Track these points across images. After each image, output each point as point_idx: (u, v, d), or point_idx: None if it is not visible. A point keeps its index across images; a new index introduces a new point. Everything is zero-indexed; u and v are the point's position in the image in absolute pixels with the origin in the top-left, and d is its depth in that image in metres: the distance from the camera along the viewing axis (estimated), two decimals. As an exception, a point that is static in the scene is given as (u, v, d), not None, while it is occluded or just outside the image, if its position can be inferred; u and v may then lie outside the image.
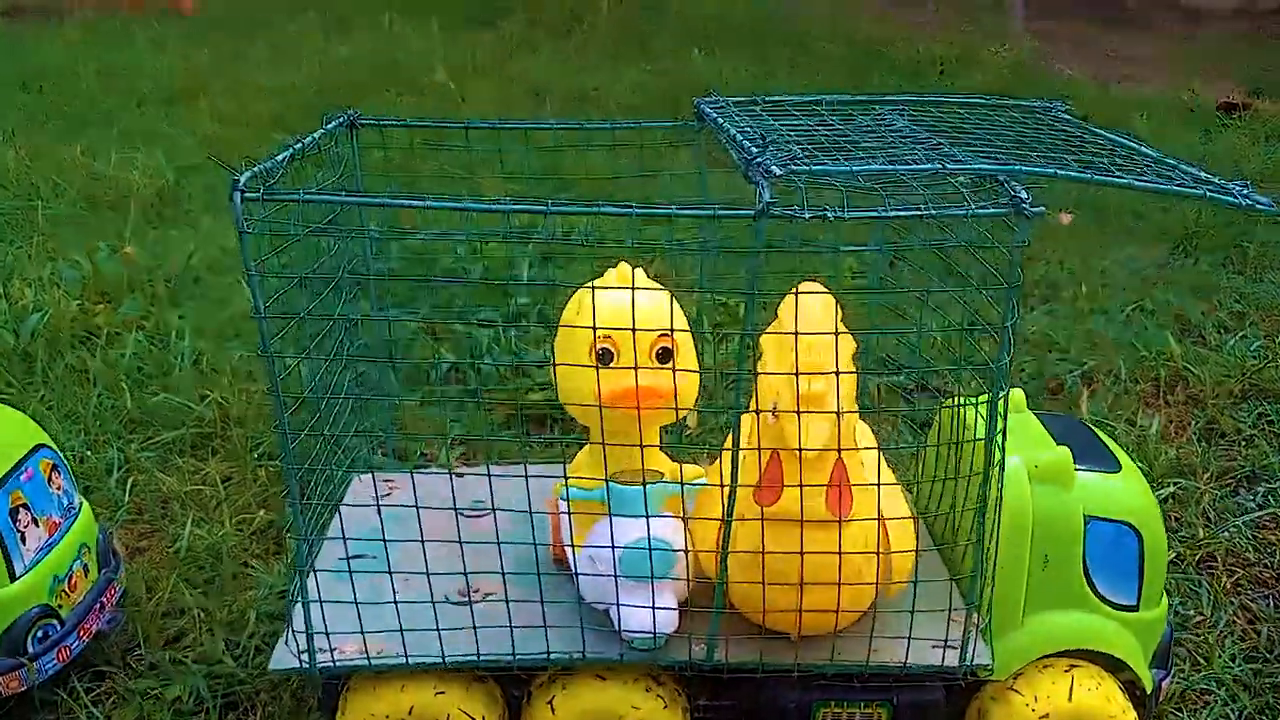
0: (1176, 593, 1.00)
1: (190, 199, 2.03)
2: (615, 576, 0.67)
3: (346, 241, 0.83)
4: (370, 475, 0.93)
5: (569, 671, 0.74)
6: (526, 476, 0.67)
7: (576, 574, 0.72)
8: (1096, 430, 0.83)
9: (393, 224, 1.31)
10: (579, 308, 0.63)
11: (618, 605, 0.70)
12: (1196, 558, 1.06)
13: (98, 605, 0.87)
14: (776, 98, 0.81)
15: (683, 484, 0.68)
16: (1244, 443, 1.29)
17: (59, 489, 0.86)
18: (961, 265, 0.68)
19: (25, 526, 0.81)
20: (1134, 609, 0.77)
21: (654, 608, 0.68)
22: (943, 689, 0.75)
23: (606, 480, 0.67)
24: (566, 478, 0.72)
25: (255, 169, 0.63)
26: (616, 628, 0.70)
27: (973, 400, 0.76)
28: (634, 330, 0.61)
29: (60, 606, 0.83)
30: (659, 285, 0.66)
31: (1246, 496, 1.17)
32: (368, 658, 0.71)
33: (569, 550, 0.73)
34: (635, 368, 0.63)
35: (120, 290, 1.61)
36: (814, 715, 0.74)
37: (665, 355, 0.63)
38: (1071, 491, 0.75)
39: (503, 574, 0.69)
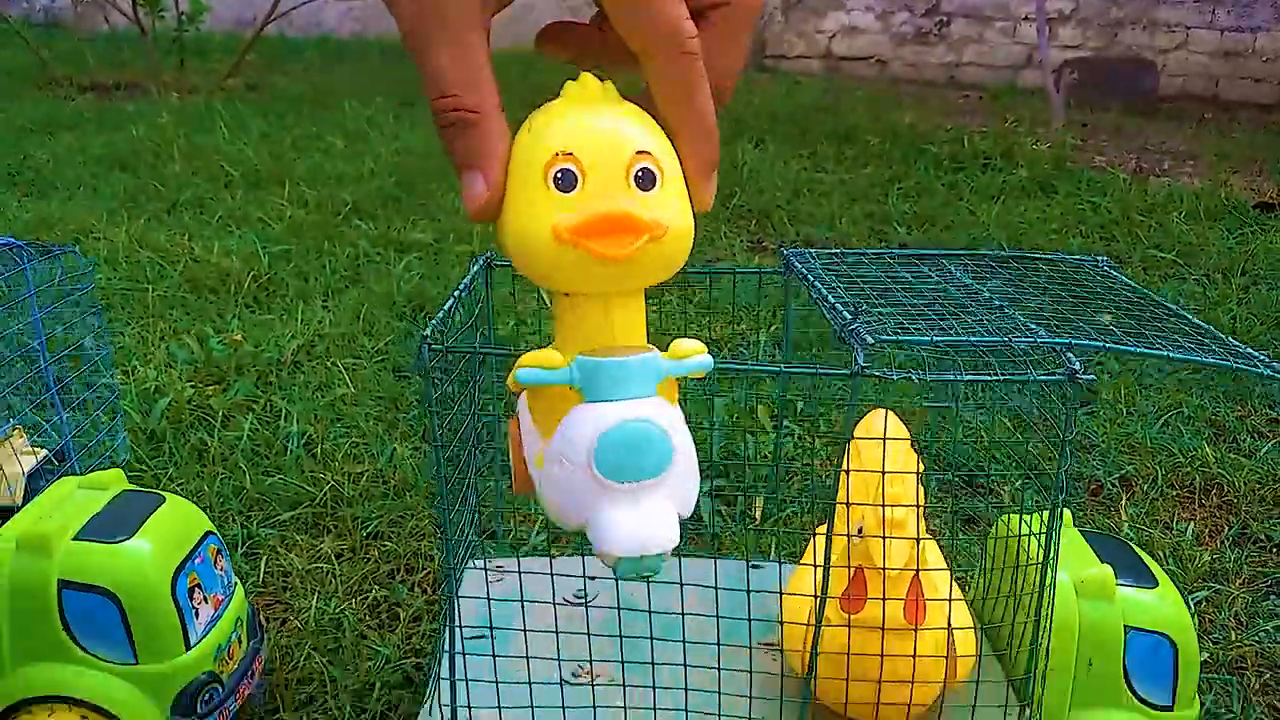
0: (1208, 691, 1.10)
1: (284, 284, 2.19)
2: (594, 476, 0.45)
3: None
4: (482, 564, 1.05)
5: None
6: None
7: (540, 493, 0.49)
8: (1136, 548, 0.94)
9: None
10: (529, 127, 0.44)
11: (595, 516, 0.46)
12: (1228, 658, 1.15)
13: (249, 673, 0.99)
14: (856, 251, 0.94)
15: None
16: (1275, 549, 1.38)
17: (221, 570, 0.99)
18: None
19: (199, 604, 0.94)
20: (1169, 709, 0.87)
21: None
22: (998, 777, 0.85)
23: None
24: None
25: (434, 322, 0.76)
26: (592, 544, 0.46)
27: (1026, 518, 0.88)
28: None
29: (222, 673, 0.96)
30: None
31: (1276, 602, 1.26)
32: (502, 731, 0.82)
33: (533, 471, 0.49)
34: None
35: (229, 373, 1.76)
36: (884, 796, 0.85)
37: (647, 179, 0.43)
38: (1113, 605, 0.86)
39: (621, 660, 0.81)
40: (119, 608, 0.88)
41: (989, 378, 0.69)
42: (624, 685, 0.82)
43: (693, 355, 0.47)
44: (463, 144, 0.43)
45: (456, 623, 0.81)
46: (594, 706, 0.83)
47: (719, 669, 0.79)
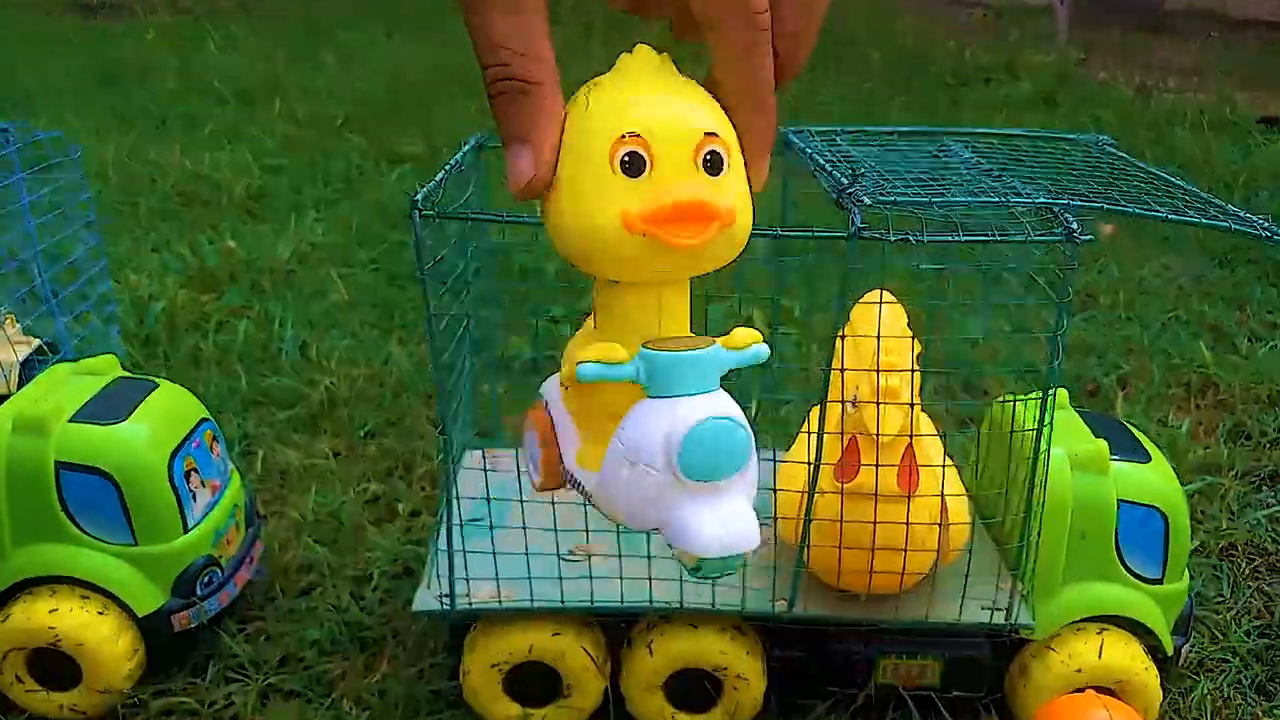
0: (1199, 577, 1.11)
1: (277, 196, 2.17)
2: (675, 476, 0.43)
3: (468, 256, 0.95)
4: (480, 451, 1.05)
5: (665, 619, 0.86)
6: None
7: (589, 491, 0.47)
8: (1130, 427, 0.94)
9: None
10: (585, 104, 0.41)
11: (677, 517, 0.44)
12: (1219, 546, 1.16)
13: (247, 558, 1.00)
14: (853, 128, 0.92)
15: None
16: (1269, 445, 1.39)
17: (218, 455, 1.00)
18: (1012, 283, 0.79)
19: (195, 487, 0.95)
20: (1159, 582, 0.88)
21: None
22: (989, 646, 0.86)
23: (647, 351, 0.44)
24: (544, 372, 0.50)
25: (424, 189, 0.75)
26: (672, 545, 0.44)
27: (1023, 397, 0.88)
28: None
29: (220, 557, 0.96)
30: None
31: (1268, 493, 1.27)
32: (499, 602, 0.83)
33: (574, 468, 0.48)
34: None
35: (223, 281, 1.75)
36: (877, 666, 0.86)
37: (716, 163, 0.41)
38: (1106, 478, 0.86)
39: (617, 532, 0.81)
40: (116, 489, 0.89)
41: (986, 238, 0.68)
42: (619, 555, 0.82)
43: (751, 344, 0.45)
44: (514, 115, 0.41)
45: (454, 493, 0.81)
46: (590, 578, 0.83)
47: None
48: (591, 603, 0.83)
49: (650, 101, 0.41)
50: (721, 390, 0.45)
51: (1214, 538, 1.18)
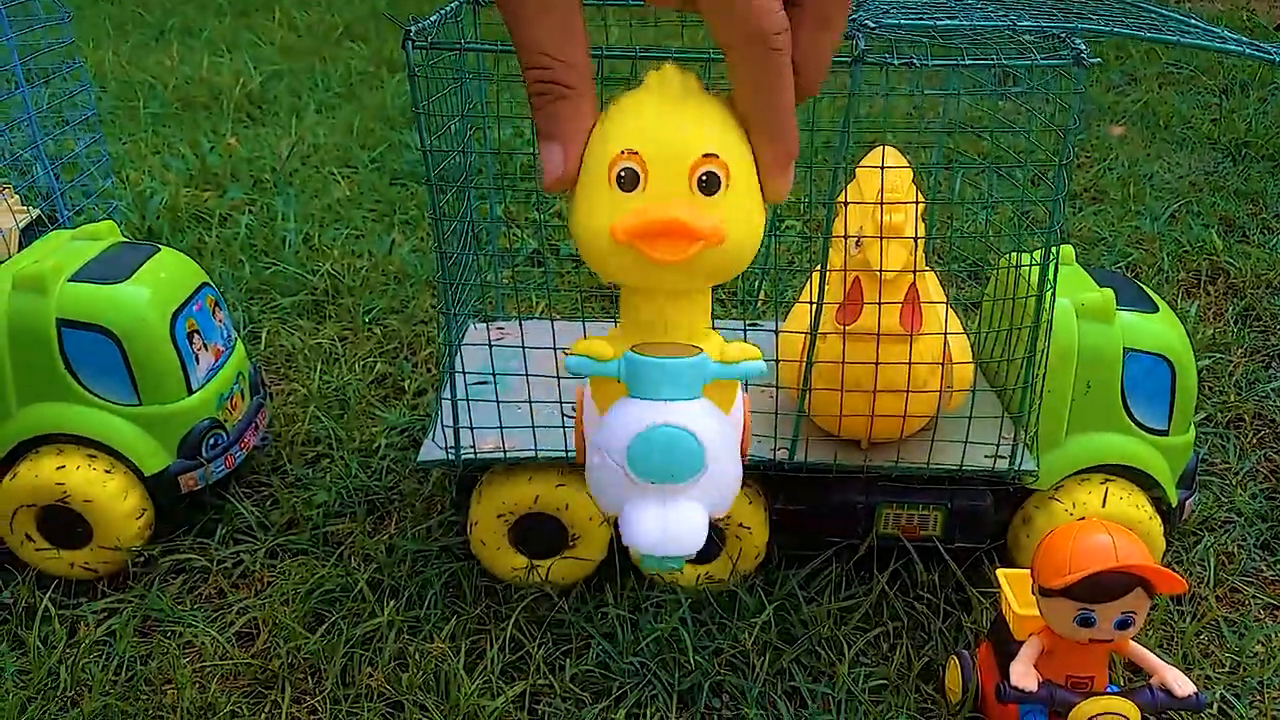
0: (1206, 446, 1.11)
1: (277, 100, 2.15)
2: (626, 473, 0.47)
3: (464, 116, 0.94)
4: (485, 324, 1.05)
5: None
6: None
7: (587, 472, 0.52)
8: (1137, 281, 0.93)
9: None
10: (605, 116, 0.44)
11: (626, 510, 0.48)
12: (1226, 419, 1.16)
13: (253, 425, 1.01)
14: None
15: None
16: (1278, 327, 1.38)
17: (220, 321, 0.99)
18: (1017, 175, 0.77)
19: (198, 350, 0.95)
20: (1164, 433, 0.87)
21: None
22: (990, 496, 0.86)
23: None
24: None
25: (418, 25, 0.73)
26: (625, 541, 0.48)
27: (1028, 250, 0.86)
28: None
29: (226, 421, 0.97)
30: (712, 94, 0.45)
31: (1277, 370, 1.27)
32: (504, 452, 0.83)
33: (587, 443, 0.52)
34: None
35: (224, 179, 1.73)
36: (878, 516, 0.86)
37: (711, 183, 0.43)
38: (1113, 326, 0.85)
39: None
40: (119, 347, 0.89)
41: (991, 61, 0.67)
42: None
43: (743, 360, 0.48)
44: (550, 115, 0.43)
45: (453, 335, 0.80)
46: None
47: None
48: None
49: (653, 120, 0.43)
50: (701, 400, 0.47)
51: (1221, 411, 1.17)
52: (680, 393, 0.47)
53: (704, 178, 0.43)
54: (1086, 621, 0.66)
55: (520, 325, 0.94)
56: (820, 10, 0.41)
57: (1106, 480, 0.87)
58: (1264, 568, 0.93)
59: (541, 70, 0.42)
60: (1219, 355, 1.28)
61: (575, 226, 0.45)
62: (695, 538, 0.47)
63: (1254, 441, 1.12)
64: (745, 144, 0.43)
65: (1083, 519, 0.76)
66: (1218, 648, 0.83)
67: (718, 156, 0.42)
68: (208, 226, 1.55)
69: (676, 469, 0.47)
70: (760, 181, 0.44)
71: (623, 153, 0.43)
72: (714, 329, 0.48)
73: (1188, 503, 0.90)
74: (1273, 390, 1.21)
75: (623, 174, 0.43)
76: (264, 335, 1.28)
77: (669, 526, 0.47)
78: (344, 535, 0.95)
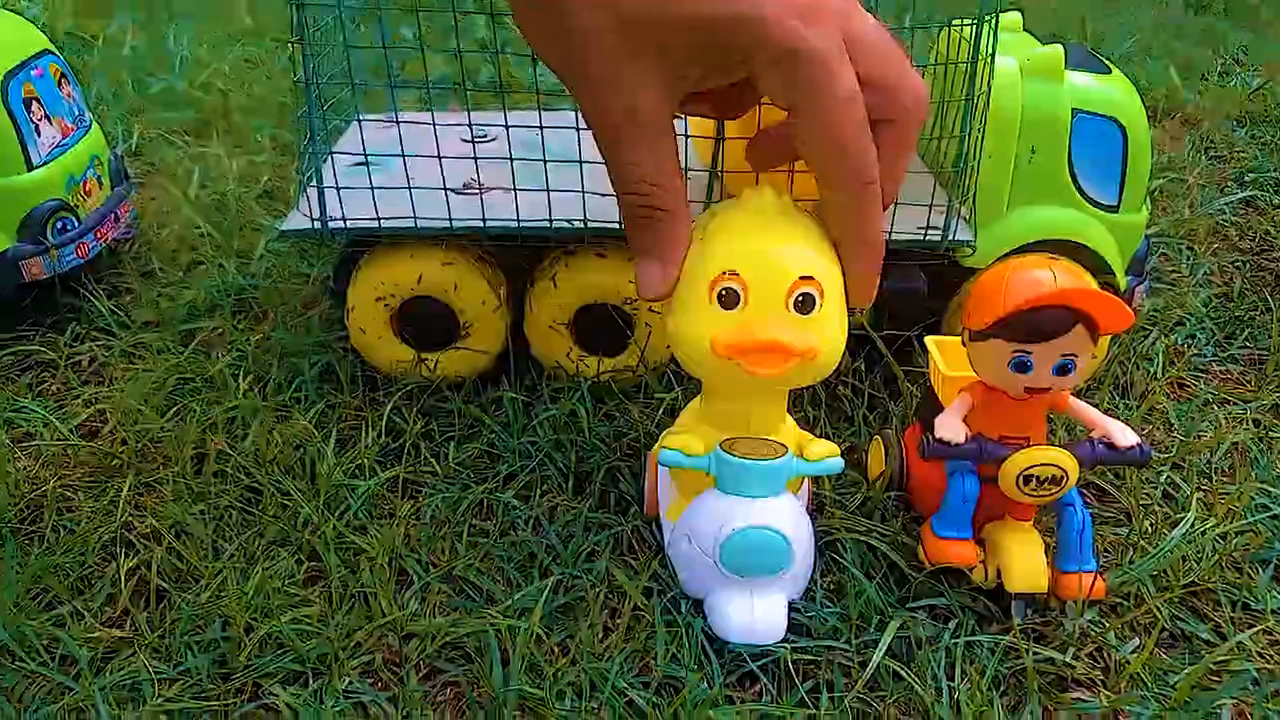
0: (1155, 252, 1.04)
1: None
2: (717, 566, 0.53)
3: None
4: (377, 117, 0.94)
5: (571, 253, 0.77)
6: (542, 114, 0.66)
7: (666, 543, 0.58)
8: (1092, 51, 0.85)
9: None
10: (702, 233, 0.47)
11: (714, 598, 0.55)
12: (1180, 233, 1.09)
13: (113, 216, 0.90)
14: None
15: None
16: (1235, 154, 1.31)
17: (69, 96, 0.88)
18: None
19: (39, 120, 0.83)
20: (1114, 209, 0.79)
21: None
22: (924, 279, 0.78)
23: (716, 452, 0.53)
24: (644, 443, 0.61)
25: None
26: (710, 626, 0.54)
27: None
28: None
29: (77, 206, 0.86)
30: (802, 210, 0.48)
31: (1232, 189, 1.20)
32: (378, 220, 0.73)
33: (663, 517, 0.61)
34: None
35: (111, 5, 1.59)
36: (803, 299, 0.78)
37: (806, 303, 0.46)
38: (1060, 85, 0.76)
39: (510, 160, 0.70)
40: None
41: None
42: (515, 190, 0.72)
43: (825, 459, 0.53)
44: (648, 237, 0.46)
45: (312, 70, 0.69)
46: (484, 219, 0.73)
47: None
48: (484, 224, 0.74)
49: (752, 243, 0.46)
50: (786, 495, 0.52)
51: (1176, 226, 1.10)
52: (768, 490, 0.51)
53: (800, 299, 0.46)
54: (1022, 366, 0.58)
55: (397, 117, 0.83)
56: (906, 138, 0.44)
57: (1051, 259, 0.79)
58: (1215, 364, 0.86)
59: (640, 196, 0.44)
60: (1175, 175, 1.20)
61: (676, 335, 0.48)
62: (779, 627, 0.52)
63: (1208, 252, 1.06)
64: (835, 262, 0.46)
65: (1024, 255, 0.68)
66: (1164, 435, 0.77)
67: (813, 278, 0.46)
68: (90, 49, 1.41)
69: (766, 566, 0.51)
70: (846, 292, 0.47)
71: (724, 273, 0.46)
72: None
73: (1138, 289, 0.83)
74: (1227, 205, 1.14)
75: (724, 293, 0.46)
76: (134, 139, 1.16)
77: (756, 617, 0.52)
78: (213, 334, 0.85)
